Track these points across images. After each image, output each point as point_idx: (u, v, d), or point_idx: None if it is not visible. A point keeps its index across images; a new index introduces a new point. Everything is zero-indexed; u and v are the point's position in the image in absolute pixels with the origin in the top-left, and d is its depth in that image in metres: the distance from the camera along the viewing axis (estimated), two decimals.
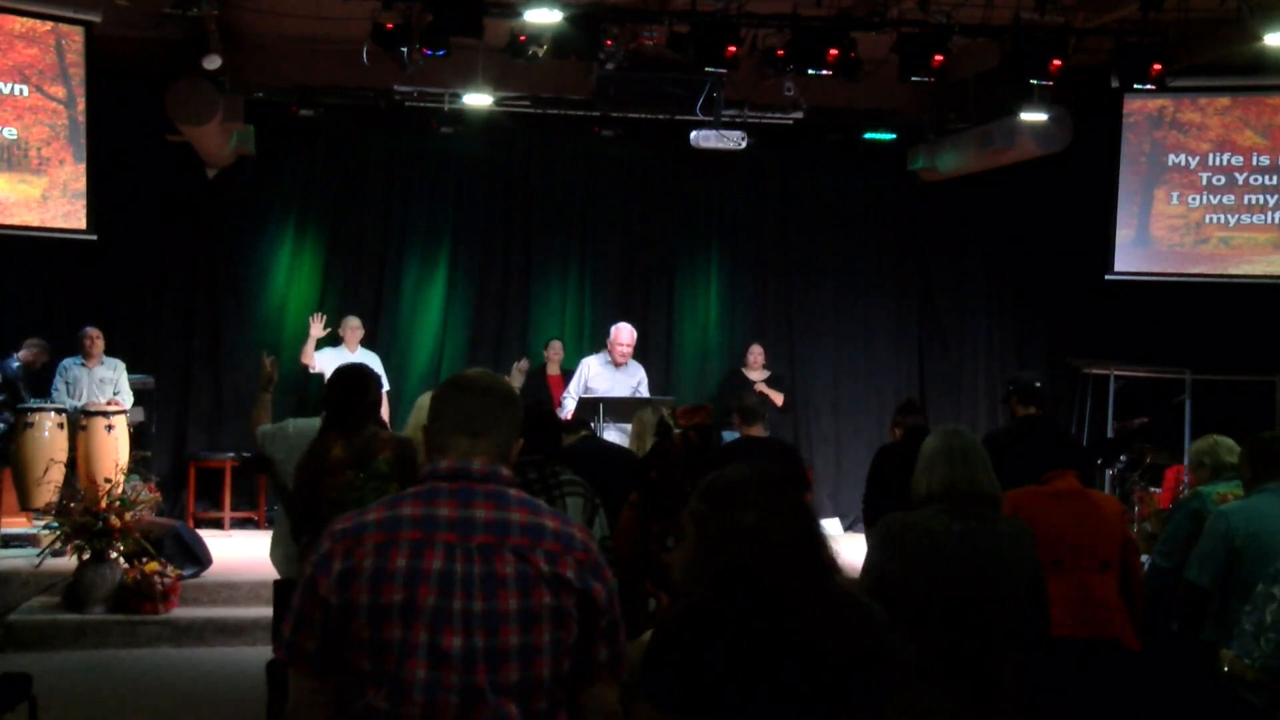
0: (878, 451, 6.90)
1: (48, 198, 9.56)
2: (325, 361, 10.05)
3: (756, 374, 10.93)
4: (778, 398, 10.59)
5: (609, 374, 9.78)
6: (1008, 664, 3.57)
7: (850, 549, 5.72)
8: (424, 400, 5.18)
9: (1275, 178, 10.72)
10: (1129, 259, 10.95)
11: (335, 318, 10.51)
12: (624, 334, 9.86)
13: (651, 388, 10.18)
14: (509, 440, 2.55)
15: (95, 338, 9.71)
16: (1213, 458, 5.38)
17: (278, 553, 5.51)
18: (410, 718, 2.34)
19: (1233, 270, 10.91)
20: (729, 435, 7.80)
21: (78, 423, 9.24)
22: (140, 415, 10.08)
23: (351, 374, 4.93)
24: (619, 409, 9.00)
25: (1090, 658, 4.55)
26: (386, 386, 9.07)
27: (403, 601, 2.35)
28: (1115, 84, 8.86)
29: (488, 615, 2.36)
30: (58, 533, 8.02)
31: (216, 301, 11.12)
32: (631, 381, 9.82)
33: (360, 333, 10.46)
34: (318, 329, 10.24)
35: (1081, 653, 4.53)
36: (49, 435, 9.06)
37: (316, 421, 5.45)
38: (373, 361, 9.49)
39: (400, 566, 2.37)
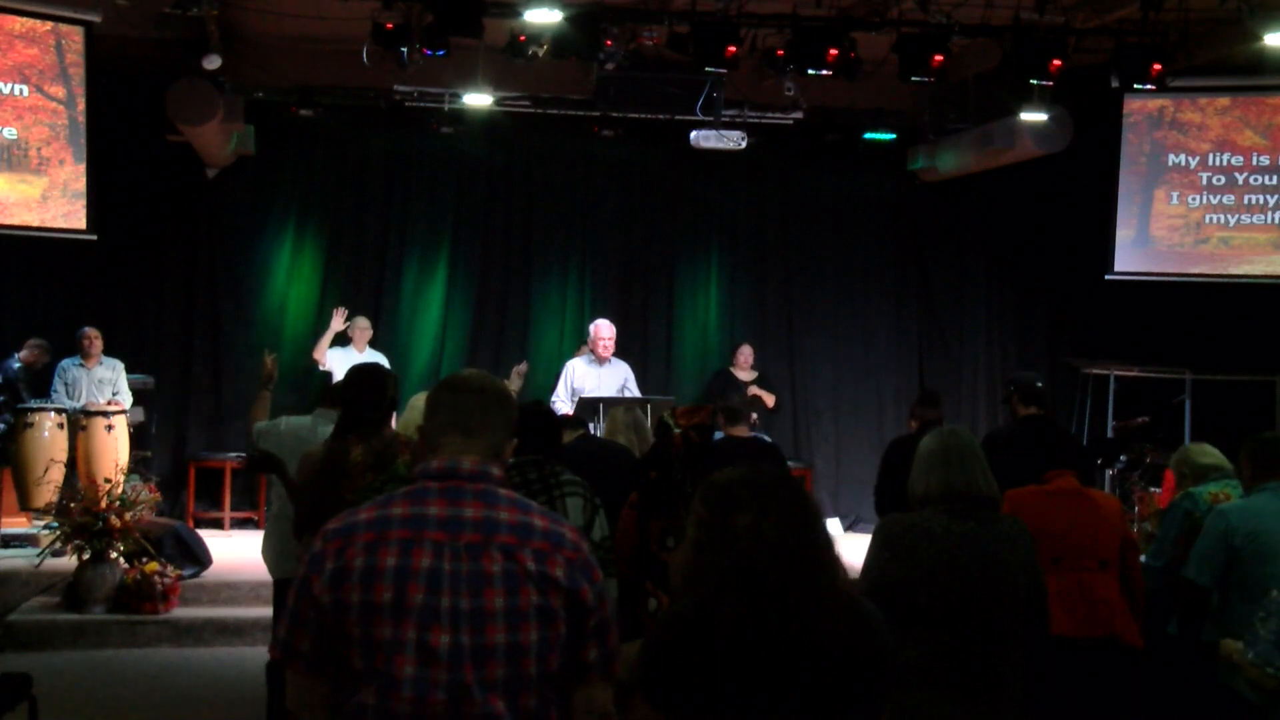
0: (890, 443, 6.97)
1: (48, 198, 9.55)
2: (334, 361, 10.08)
3: (745, 374, 10.90)
4: (769, 398, 10.56)
5: (594, 373, 9.74)
6: (1008, 664, 3.58)
7: (850, 549, 5.73)
8: (417, 400, 5.15)
9: (1275, 178, 10.70)
10: (1129, 259, 10.94)
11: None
12: (604, 329, 9.81)
13: (651, 388, 10.14)
14: (502, 440, 2.57)
15: (94, 338, 9.72)
16: (1189, 466, 5.46)
17: (270, 551, 5.49)
18: (400, 714, 2.37)
19: (1233, 270, 10.90)
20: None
21: (78, 423, 9.25)
22: (140, 415, 10.08)
23: (368, 374, 4.78)
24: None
25: (1089, 656, 4.56)
26: None
27: (392, 600, 2.38)
28: (1115, 84, 8.85)
29: (474, 613, 2.38)
30: (58, 533, 8.02)
31: (216, 301, 11.11)
32: (617, 379, 9.74)
33: (369, 334, 10.49)
34: (339, 322, 10.31)
35: (1080, 651, 4.54)
36: (49, 435, 9.08)
37: (309, 420, 5.44)
38: (380, 362, 9.47)
39: (390, 565, 2.40)
